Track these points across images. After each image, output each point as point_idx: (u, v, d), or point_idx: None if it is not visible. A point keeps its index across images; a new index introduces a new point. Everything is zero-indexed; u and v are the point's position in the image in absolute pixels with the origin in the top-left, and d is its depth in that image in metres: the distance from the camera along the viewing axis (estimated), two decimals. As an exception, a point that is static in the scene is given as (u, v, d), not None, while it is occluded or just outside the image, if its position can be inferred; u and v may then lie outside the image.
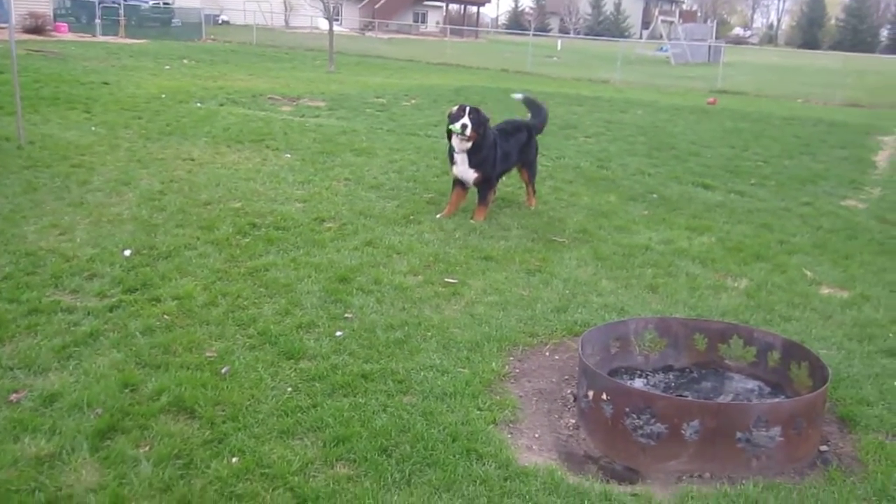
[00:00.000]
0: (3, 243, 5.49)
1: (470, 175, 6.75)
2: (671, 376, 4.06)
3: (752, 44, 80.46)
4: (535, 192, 7.58)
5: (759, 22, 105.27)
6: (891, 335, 4.77)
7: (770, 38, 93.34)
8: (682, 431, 3.22)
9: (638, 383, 3.95)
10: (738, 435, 3.24)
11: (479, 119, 6.56)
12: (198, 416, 3.43)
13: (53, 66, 18.02)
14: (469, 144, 6.61)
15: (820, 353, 3.95)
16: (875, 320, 5.02)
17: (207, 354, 4.03)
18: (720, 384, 3.98)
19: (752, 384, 3.96)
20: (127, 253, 5.45)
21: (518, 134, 7.28)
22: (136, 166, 8.18)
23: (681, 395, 3.80)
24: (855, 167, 11.09)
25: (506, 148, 7.01)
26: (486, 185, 6.84)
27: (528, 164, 7.44)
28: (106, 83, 15.28)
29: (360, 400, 3.64)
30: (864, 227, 7.48)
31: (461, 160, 6.72)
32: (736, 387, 3.95)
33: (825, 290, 5.64)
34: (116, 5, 34.14)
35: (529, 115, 7.73)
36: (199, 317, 4.49)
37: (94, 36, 30.44)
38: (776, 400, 3.74)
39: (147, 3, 38.81)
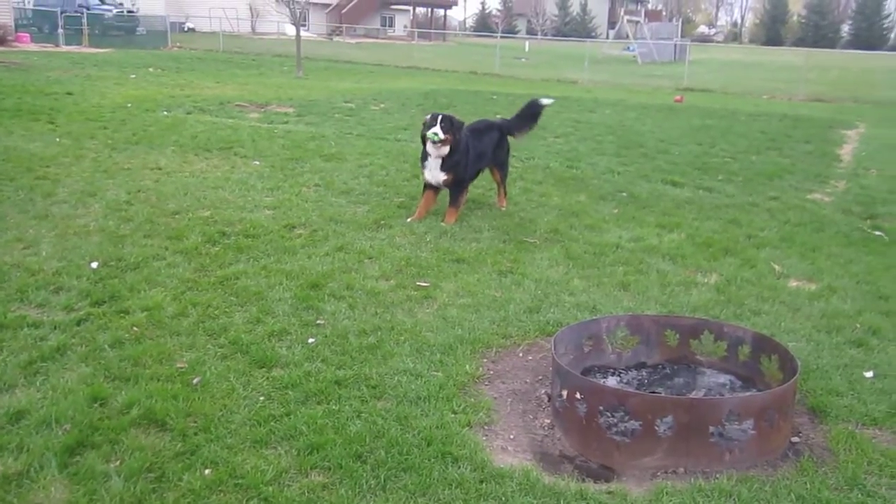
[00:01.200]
0: (-34, 258, 5.39)
1: (440, 178, 6.79)
2: (644, 373, 4.08)
3: (717, 41, 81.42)
4: (506, 192, 7.60)
5: (723, 20, 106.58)
6: (858, 326, 4.84)
7: (734, 36, 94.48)
8: (656, 428, 3.24)
9: (611, 381, 3.97)
10: (711, 429, 3.27)
11: (451, 125, 6.66)
12: (169, 428, 3.39)
13: (16, 76, 17.76)
14: (446, 149, 6.69)
15: (789, 346, 4.00)
16: (842, 311, 5.09)
17: (178, 365, 3.98)
18: (692, 379, 4.01)
19: (723, 378, 3.99)
20: (94, 265, 5.37)
21: (490, 133, 7.34)
22: (102, 177, 8.07)
23: (654, 392, 3.82)
24: (820, 161, 11.25)
25: (479, 148, 7.10)
26: (457, 187, 6.87)
27: (500, 164, 7.50)
28: (70, 93, 15.08)
29: (334, 407, 3.62)
30: (830, 220, 7.59)
31: (434, 164, 6.78)
32: (708, 381, 3.98)
33: (793, 283, 5.71)
34: (79, 14, 33.70)
35: (517, 117, 7.68)
36: (169, 328, 4.44)
37: (57, 46, 30.05)
38: (748, 393, 3.77)
39: (111, 11, 38.34)
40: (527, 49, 45.92)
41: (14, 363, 3.91)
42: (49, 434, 3.30)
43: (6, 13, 29.42)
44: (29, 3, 41.45)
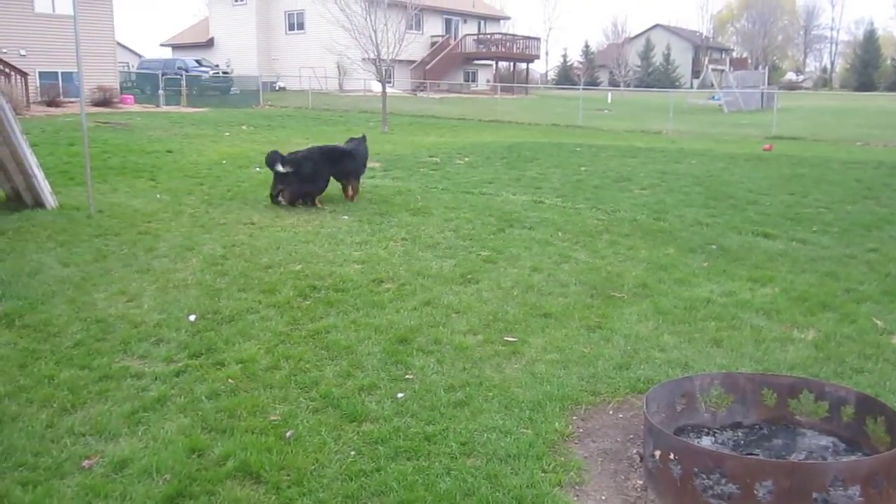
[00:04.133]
0: (75, 311, 5.69)
1: None
2: (740, 433, 3.95)
3: (806, 88, 79.46)
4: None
5: (811, 66, 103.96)
6: (971, 387, 4.58)
7: (824, 82, 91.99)
8: (755, 492, 3.13)
9: (706, 441, 3.85)
10: (815, 495, 3.13)
11: None
12: (263, 480, 3.46)
13: (120, 136, 18.76)
14: None
15: (897, 408, 3.81)
16: (953, 371, 4.82)
17: (272, 418, 4.08)
18: (792, 441, 3.86)
19: (825, 441, 3.83)
20: (192, 318, 5.59)
21: None
22: (199, 232, 8.42)
23: (751, 454, 3.69)
24: (922, 211, 10.77)
25: None
26: None
27: None
28: (170, 151, 15.83)
29: (424, 463, 3.63)
30: (935, 273, 7.23)
31: None
32: (809, 443, 3.82)
33: (898, 341, 5.46)
34: (179, 76, 35.52)
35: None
36: (263, 380, 4.56)
37: (157, 106, 31.65)
38: (853, 458, 3.60)
39: (207, 72, 40.27)
40: (609, 100, 45.89)
41: (118, 413, 4.09)
42: (150, 483, 3.42)
43: (112, 76, 31.21)
44: (133, 66, 44.09)
